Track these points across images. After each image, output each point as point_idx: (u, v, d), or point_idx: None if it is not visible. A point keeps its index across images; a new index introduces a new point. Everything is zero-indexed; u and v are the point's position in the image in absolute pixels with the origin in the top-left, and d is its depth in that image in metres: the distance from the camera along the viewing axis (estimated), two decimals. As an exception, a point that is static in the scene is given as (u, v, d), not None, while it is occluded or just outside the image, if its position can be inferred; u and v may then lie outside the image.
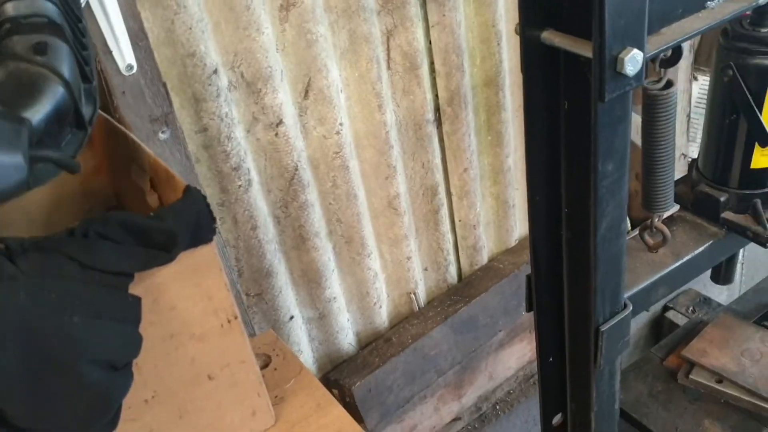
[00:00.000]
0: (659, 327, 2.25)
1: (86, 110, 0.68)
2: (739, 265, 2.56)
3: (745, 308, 1.69)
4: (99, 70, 1.07)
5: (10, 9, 0.67)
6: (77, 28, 0.72)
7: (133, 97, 1.10)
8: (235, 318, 0.90)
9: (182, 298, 0.83)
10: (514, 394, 2.05)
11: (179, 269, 0.71)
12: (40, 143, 0.62)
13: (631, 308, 1.03)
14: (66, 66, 0.66)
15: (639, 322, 2.27)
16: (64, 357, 0.70)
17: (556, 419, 1.28)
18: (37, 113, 0.62)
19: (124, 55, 1.10)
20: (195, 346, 0.88)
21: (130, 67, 1.12)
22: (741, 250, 2.54)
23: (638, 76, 0.80)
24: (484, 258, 1.97)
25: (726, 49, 1.06)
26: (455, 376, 1.87)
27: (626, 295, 1.05)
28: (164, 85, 1.13)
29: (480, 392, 1.97)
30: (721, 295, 2.49)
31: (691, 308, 2.18)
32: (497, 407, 2.01)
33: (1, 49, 0.66)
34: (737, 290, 2.44)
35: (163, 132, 1.12)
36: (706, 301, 2.15)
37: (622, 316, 1.01)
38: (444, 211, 1.81)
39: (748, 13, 1.04)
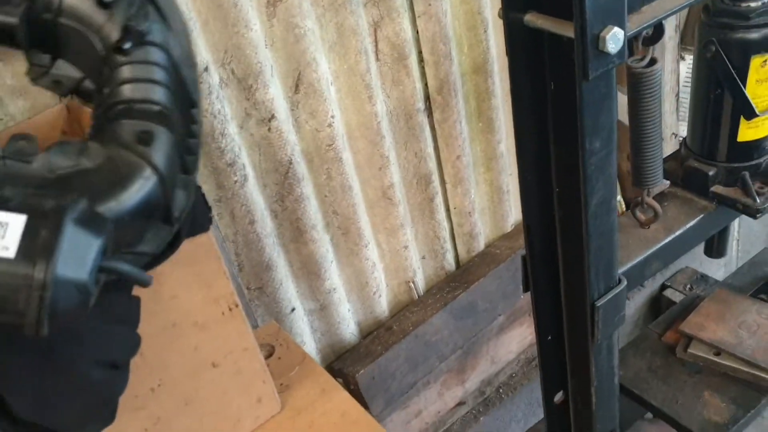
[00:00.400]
0: (657, 305, 2.28)
1: (179, 202, 0.67)
2: (734, 241, 2.59)
3: (741, 282, 1.71)
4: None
5: (126, 91, 0.66)
6: (189, 114, 0.70)
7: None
8: (236, 306, 0.92)
9: (183, 288, 0.85)
10: (517, 377, 2.07)
11: (178, 258, 0.73)
12: (120, 239, 0.60)
13: (625, 283, 1.05)
14: (165, 158, 0.64)
15: (637, 301, 2.29)
16: (69, 356, 0.71)
17: (558, 397, 1.30)
18: (124, 205, 0.60)
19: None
20: (198, 335, 0.90)
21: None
22: (736, 226, 2.56)
23: (620, 53, 0.82)
24: (480, 244, 1.98)
25: (708, 25, 1.08)
26: (457, 361, 1.89)
27: (620, 270, 1.07)
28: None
29: (483, 376, 1.99)
30: (719, 271, 2.51)
31: (688, 286, 2.20)
32: (500, 391, 2.04)
33: (109, 132, 0.65)
34: (734, 266, 2.47)
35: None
36: (703, 278, 2.17)
37: (617, 291, 1.03)
38: (439, 199, 1.83)
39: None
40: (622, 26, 0.82)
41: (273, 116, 1.40)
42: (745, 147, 1.12)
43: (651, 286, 2.30)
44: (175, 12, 0.72)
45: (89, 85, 0.71)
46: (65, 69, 0.70)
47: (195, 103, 0.71)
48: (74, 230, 0.53)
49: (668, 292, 2.25)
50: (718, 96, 1.09)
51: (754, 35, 1.02)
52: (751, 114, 1.05)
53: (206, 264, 0.86)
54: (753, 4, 1.01)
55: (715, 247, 1.28)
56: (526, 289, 1.18)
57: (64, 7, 0.67)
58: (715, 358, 1.43)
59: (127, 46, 0.66)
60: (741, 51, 1.03)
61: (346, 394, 1.12)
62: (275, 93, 1.40)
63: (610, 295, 1.02)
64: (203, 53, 1.26)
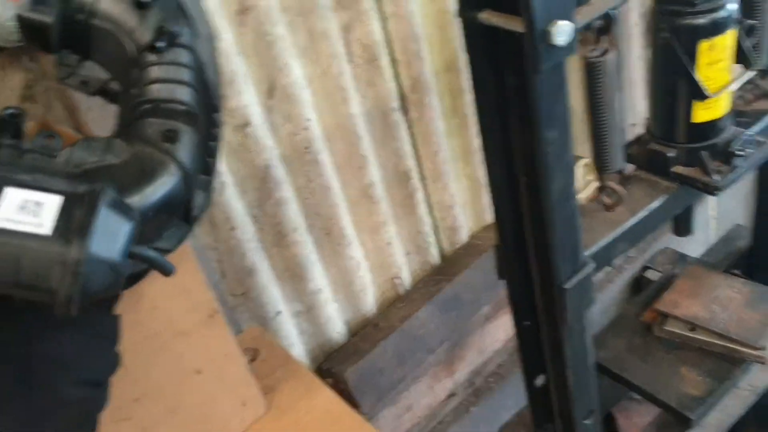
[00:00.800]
0: (639, 286, 2.32)
1: (197, 203, 0.67)
2: (712, 220, 2.64)
3: (714, 259, 1.76)
4: (64, 88, 1.12)
5: (154, 90, 0.67)
6: (211, 118, 0.71)
7: (98, 113, 1.14)
8: (216, 312, 0.95)
9: (162, 297, 0.87)
10: (506, 365, 2.11)
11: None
12: (141, 234, 0.60)
13: (593, 266, 1.09)
14: (190, 157, 0.65)
15: (620, 284, 2.33)
16: (50, 377, 0.72)
17: (539, 380, 1.34)
18: (148, 199, 0.60)
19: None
20: (180, 343, 0.93)
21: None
22: (712, 205, 2.61)
23: (570, 46, 0.86)
24: (463, 237, 2.02)
25: (659, 12, 1.12)
26: (445, 353, 1.92)
27: (587, 253, 1.11)
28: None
29: (472, 367, 2.03)
30: (699, 250, 2.56)
31: (669, 266, 2.24)
32: (490, 380, 2.07)
33: (136, 129, 0.66)
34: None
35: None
36: (683, 258, 2.21)
37: (584, 274, 1.07)
38: (419, 195, 1.86)
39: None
40: (570, 19, 0.86)
41: (248, 122, 1.43)
42: (701, 128, 1.16)
43: (632, 268, 2.34)
44: (203, 17, 0.73)
45: (115, 86, 0.72)
46: (93, 70, 0.72)
47: (217, 107, 0.73)
48: (107, 213, 0.54)
49: (649, 273, 2.29)
50: (673, 80, 1.13)
51: (701, 21, 1.06)
52: (702, 96, 1.10)
53: (184, 272, 0.89)
54: (699, -9, 1.05)
55: (682, 226, 1.33)
56: (500, 277, 1.22)
57: (98, 9, 0.69)
58: (691, 334, 1.47)
59: (161, 45, 0.67)
60: (689, 36, 1.07)
61: (329, 392, 1.15)
62: (249, 99, 1.43)
63: (577, 278, 1.06)
64: (175, 66, 1.29)
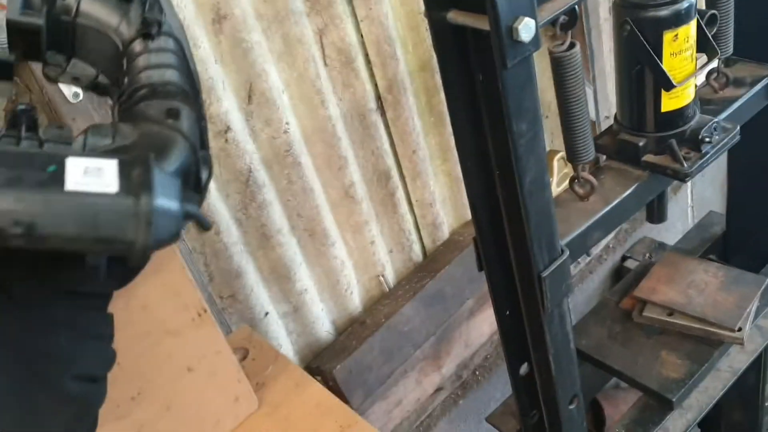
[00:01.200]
0: (619, 276, 2.37)
1: (203, 175, 0.71)
2: (689, 208, 2.69)
3: (690, 245, 1.80)
4: (47, 101, 1.14)
5: (147, 76, 0.70)
6: (198, 99, 0.75)
7: (84, 122, 1.16)
8: (205, 311, 0.98)
9: (152, 297, 0.90)
10: (492, 358, 2.14)
11: (144, 269, 0.78)
12: None
13: (568, 253, 1.13)
14: (192, 131, 0.68)
15: (601, 274, 2.38)
16: (50, 374, 0.76)
17: (523, 369, 1.37)
18: (168, 170, 0.63)
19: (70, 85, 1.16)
20: (171, 341, 0.95)
21: (76, 95, 1.18)
22: (689, 193, 2.65)
23: (534, 41, 0.89)
24: (445, 233, 2.05)
25: (621, 6, 1.15)
26: (432, 348, 1.95)
27: (563, 242, 1.14)
28: (111, 107, 1.19)
29: (458, 360, 2.06)
30: (677, 239, 2.61)
31: (648, 255, 2.29)
32: (477, 373, 2.11)
33: (137, 112, 0.69)
34: (692, 233, 2.56)
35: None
36: (661, 246, 2.26)
37: (560, 261, 1.10)
38: (400, 194, 1.90)
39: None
40: (533, 16, 0.89)
41: (228, 128, 1.46)
42: (669, 116, 1.20)
43: (613, 258, 2.39)
44: (172, 9, 0.78)
45: (104, 80, 0.76)
46: (81, 67, 0.75)
47: (199, 90, 0.77)
48: (159, 171, 0.58)
49: (629, 263, 2.34)
50: (639, 71, 1.17)
51: (664, 12, 1.10)
52: (669, 86, 1.13)
53: (171, 272, 0.92)
54: (660, -16, 1.09)
55: (656, 214, 1.36)
56: (480, 269, 1.25)
57: (82, 10, 0.72)
58: (669, 319, 1.51)
59: (153, 31, 0.71)
60: (653, 28, 1.11)
61: (319, 386, 1.18)
62: (229, 105, 1.45)
63: (554, 266, 1.09)
64: (154, 74, 1.31)
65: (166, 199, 0.57)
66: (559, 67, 1.06)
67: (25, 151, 0.59)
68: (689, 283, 1.56)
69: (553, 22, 1.01)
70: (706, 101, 1.36)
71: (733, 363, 1.52)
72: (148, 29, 0.72)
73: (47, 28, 0.72)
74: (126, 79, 0.72)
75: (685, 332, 1.51)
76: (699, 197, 2.62)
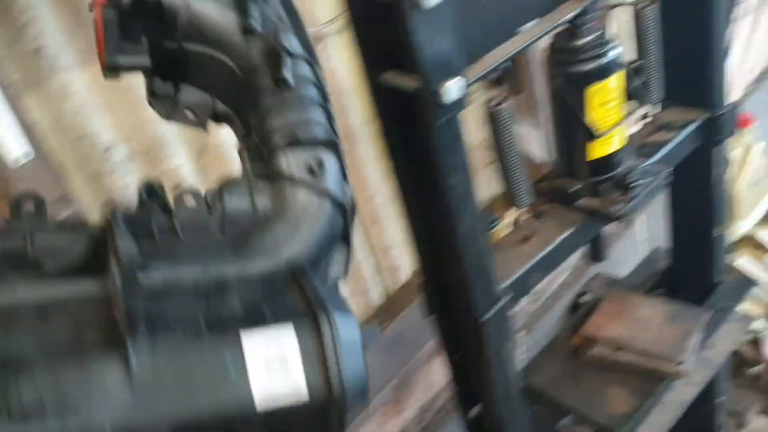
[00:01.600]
0: (576, 312, 2.41)
1: (349, 220, 0.65)
2: (641, 243, 2.76)
3: (637, 280, 1.86)
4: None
5: (282, 118, 0.60)
6: (335, 132, 0.67)
7: (34, 183, 1.19)
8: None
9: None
10: (454, 399, 2.16)
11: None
12: (316, 269, 0.60)
13: (509, 296, 1.17)
14: (336, 183, 0.62)
15: (558, 311, 2.43)
16: None
17: (474, 411, 1.40)
18: (316, 244, 0.59)
19: (19, 145, 1.19)
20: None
21: (28, 154, 1.21)
22: (644, 229, 2.72)
23: (460, 102, 0.94)
24: (404, 276, 2.09)
25: (552, 61, 1.22)
26: (393, 392, 1.97)
27: (504, 284, 1.18)
28: (59, 167, 1.22)
29: (420, 403, 2.08)
30: (633, 273, 2.67)
31: (601, 290, 2.34)
32: (439, 414, 2.12)
33: (274, 165, 0.61)
34: (647, 266, 2.62)
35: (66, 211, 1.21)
36: (614, 281, 2.31)
37: (500, 306, 1.14)
38: (359, 239, 1.93)
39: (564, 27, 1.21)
40: (462, 76, 0.95)
41: (181, 183, 1.49)
42: (598, 163, 1.26)
43: (569, 295, 2.44)
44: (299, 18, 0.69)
45: (221, 107, 0.68)
46: (191, 94, 0.67)
47: (327, 96, 0.68)
48: (344, 341, 0.56)
49: (585, 298, 2.38)
50: (567, 122, 1.23)
51: (587, 67, 1.17)
52: (591, 137, 1.20)
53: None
54: (582, 41, 1.16)
55: (595, 253, 1.42)
56: (428, 314, 1.29)
57: (191, 31, 0.63)
58: (616, 355, 1.55)
59: (286, 75, 0.61)
60: (578, 82, 1.18)
61: None
62: (181, 161, 1.49)
63: (493, 310, 1.13)
64: (104, 134, 1.35)
65: (354, 374, 0.56)
66: (492, 121, 1.12)
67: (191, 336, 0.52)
68: (635, 318, 1.60)
69: (485, 79, 1.07)
70: (641, 145, 1.43)
71: (679, 396, 1.56)
72: (277, 66, 0.61)
73: (152, 59, 0.62)
74: (252, 117, 0.63)
75: (632, 368, 1.55)
76: (653, 232, 2.70)
